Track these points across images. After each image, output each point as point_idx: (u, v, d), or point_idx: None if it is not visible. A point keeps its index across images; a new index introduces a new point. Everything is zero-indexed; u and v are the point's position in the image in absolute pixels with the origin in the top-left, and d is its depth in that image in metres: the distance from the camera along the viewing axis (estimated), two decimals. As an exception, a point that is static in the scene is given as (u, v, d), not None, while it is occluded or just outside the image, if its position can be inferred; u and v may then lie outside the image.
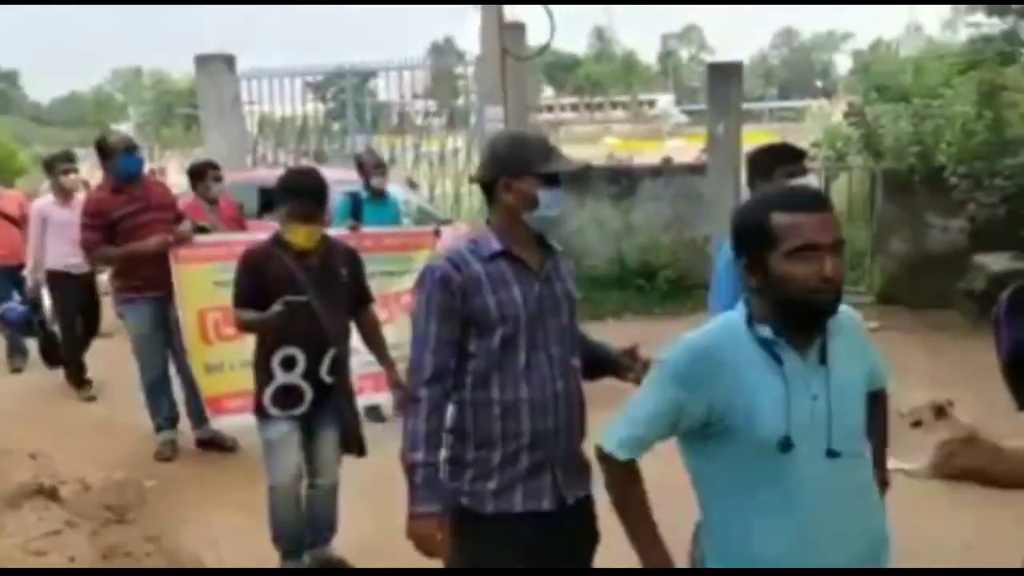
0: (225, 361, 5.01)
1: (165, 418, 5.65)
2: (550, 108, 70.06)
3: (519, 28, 10.40)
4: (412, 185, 11.09)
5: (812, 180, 3.59)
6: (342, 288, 3.84)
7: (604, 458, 2.02)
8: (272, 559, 4.07)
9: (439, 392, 2.39)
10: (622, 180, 10.47)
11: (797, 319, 1.86)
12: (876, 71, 17.91)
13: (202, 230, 5.46)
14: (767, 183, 3.39)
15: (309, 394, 3.74)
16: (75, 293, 6.81)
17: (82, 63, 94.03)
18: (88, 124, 68.87)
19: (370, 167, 6.45)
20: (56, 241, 6.68)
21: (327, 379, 3.77)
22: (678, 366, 1.93)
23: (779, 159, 3.47)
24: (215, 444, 5.64)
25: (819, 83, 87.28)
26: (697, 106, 50.33)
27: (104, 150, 5.53)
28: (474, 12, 10.13)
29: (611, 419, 2.03)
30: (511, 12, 10.01)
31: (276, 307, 3.55)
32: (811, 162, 10.20)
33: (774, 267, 1.82)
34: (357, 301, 4.00)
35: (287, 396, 3.73)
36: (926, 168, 8.39)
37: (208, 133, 11.58)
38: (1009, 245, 7.88)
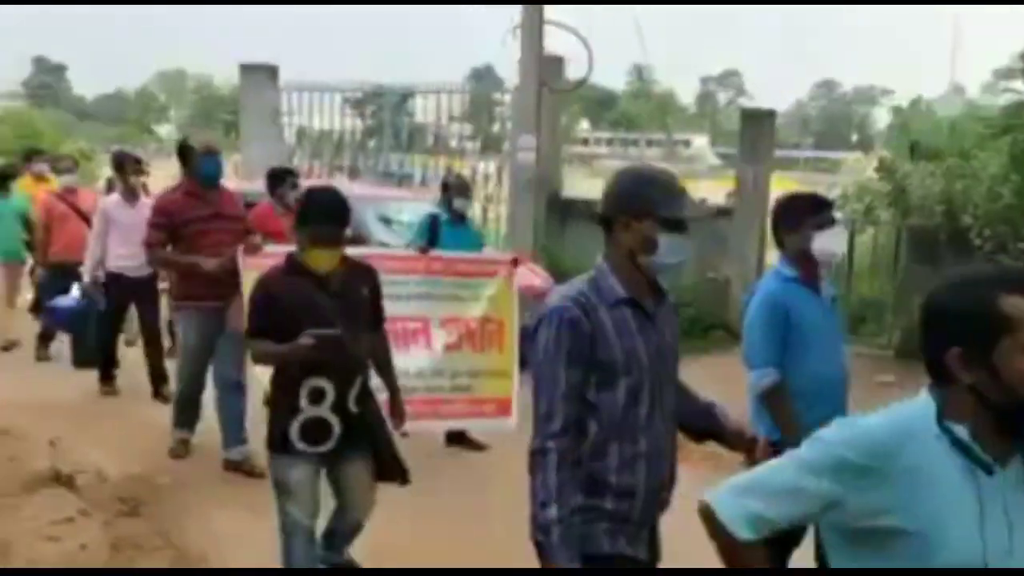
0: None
1: (186, 419, 5.63)
2: (585, 141, 70.33)
3: (557, 61, 10.56)
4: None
5: (840, 232, 3.59)
6: (364, 310, 3.66)
7: (718, 529, 1.73)
8: (274, 563, 4.16)
9: (569, 442, 2.23)
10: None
11: (1017, 424, 1.57)
12: (913, 128, 17.93)
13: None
14: (794, 232, 3.43)
15: (337, 428, 3.48)
16: (125, 296, 6.78)
17: (129, 62, 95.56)
18: (129, 122, 69.99)
19: (455, 188, 6.24)
20: (116, 241, 6.62)
21: (354, 409, 3.53)
22: (846, 457, 1.62)
23: (808, 209, 3.49)
24: (243, 469, 5.32)
25: (855, 136, 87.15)
26: (731, 149, 50.43)
27: (185, 151, 5.48)
28: (514, 42, 10.30)
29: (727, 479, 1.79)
30: (551, 45, 10.18)
31: (305, 340, 3.28)
32: (839, 214, 10.28)
33: (1005, 361, 1.54)
34: (372, 322, 3.80)
35: (315, 430, 3.46)
36: (952, 227, 8.42)
37: (247, 141, 11.81)
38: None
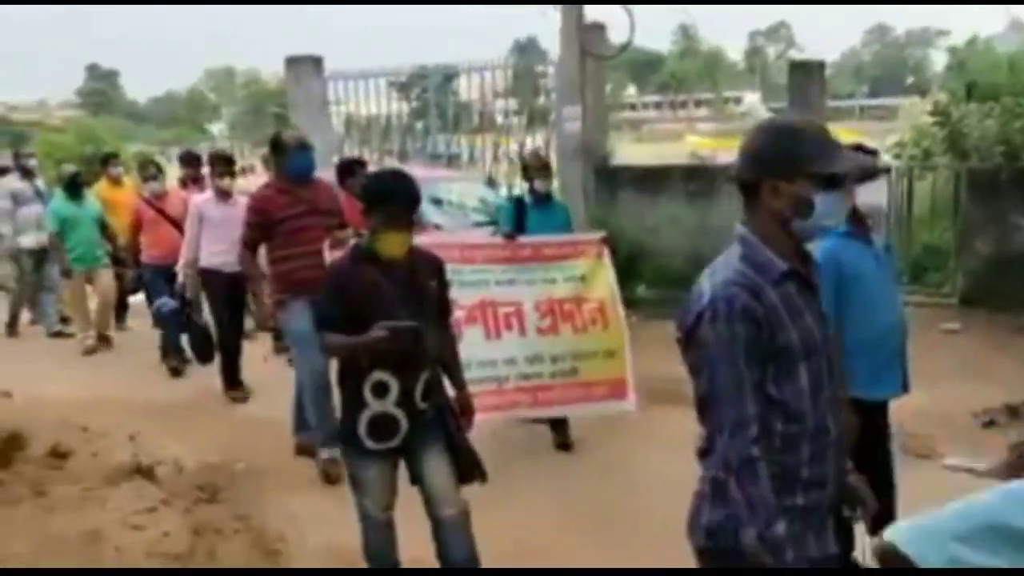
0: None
1: (325, 430, 5.13)
2: (632, 106, 69.59)
3: (599, 28, 10.47)
4: (491, 183, 11.27)
5: (881, 183, 3.56)
6: (431, 302, 3.51)
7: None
8: (350, 542, 4.28)
9: (766, 446, 2.00)
10: (700, 178, 10.45)
11: None
12: (970, 68, 17.41)
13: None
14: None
15: (404, 423, 3.37)
16: (225, 290, 6.74)
17: (179, 63, 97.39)
18: (181, 122, 71.28)
19: (533, 168, 5.84)
20: (210, 239, 6.70)
21: (421, 405, 3.40)
22: None
23: None
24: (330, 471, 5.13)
25: (911, 80, 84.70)
26: (784, 104, 49.47)
27: (277, 147, 5.39)
28: (555, 12, 10.26)
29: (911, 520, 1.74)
30: (591, 12, 10.11)
31: (378, 331, 3.17)
32: (896, 161, 10.08)
33: None
34: (438, 314, 3.62)
35: (382, 426, 3.37)
36: (1013, 168, 8.20)
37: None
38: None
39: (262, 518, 4.61)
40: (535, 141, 12.08)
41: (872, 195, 3.47)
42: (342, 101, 12.59)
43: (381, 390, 3.32)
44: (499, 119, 13.83)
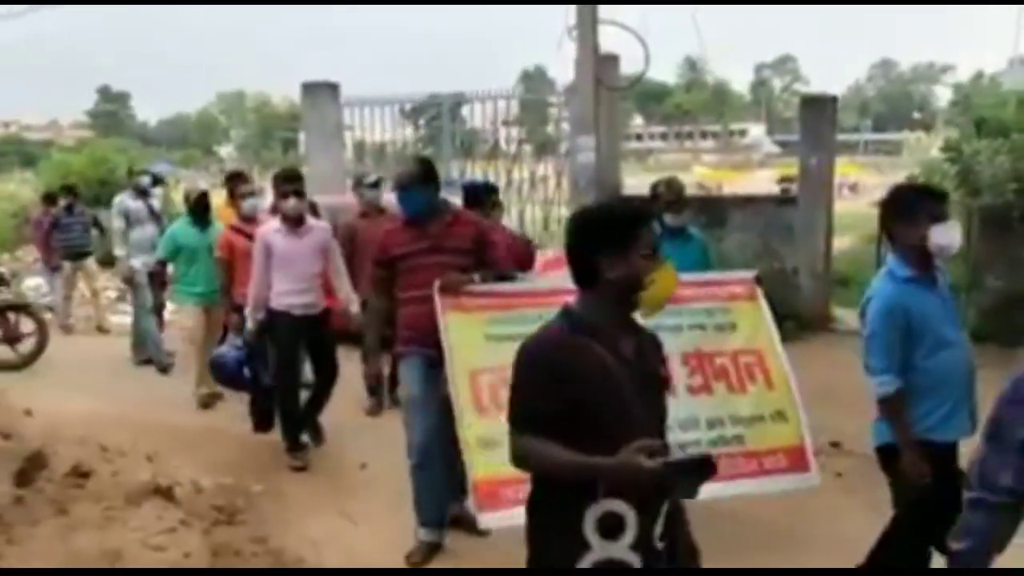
0: (505, 438, 4.04)
1: (428, 512, 4.49)
2: (639, 137, 69.99)
3: (613, 59, 10.60)
4: (500, 209, 11.35)
5: (957, 224, 3.44)
6: (663, 396, 2.49)
7: None
8: (368, 560, 4.30)
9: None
10: (711, 209, 10.52)
11: None
12: (976, 104, 17.53)
13: (506, 278, 4.64)
14: (911, 225, 3.34)
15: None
16: (297, 337, 5.78)
17: (190, 86, 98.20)
18: (191, 144, 71.78)
19: (664, 200, 5.13)
20: (278, 276, 5.67)
21: (659, 545, 2.33)
22: None
23: (922, 200, 3.41)
24: (464, 522, 4.58)
25: (917, 115, 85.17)
26: (789, 137, 49.71)
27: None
28: (568, 42, 10.37)
29: None
30: (605, 44, 10.22)
31: (635, 457, 2.11)
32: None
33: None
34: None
35: None
36: (1024, 205, 8.27)
37: (312, 157, 12.10)
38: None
39: (281, 540, 4.62)
40: (546, 169, 12.18)
41: (946, 236, 3.36)
42: (354, 127, 12.74)
43: (613, 527, 2.27)
44: (510, 147, 13.95)
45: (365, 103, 12.40)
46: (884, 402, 3.41)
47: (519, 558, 2.43)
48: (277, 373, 5.80)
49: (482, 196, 5.92)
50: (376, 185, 7.15)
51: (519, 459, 2.37)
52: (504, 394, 3.70)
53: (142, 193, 8.66)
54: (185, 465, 5.53)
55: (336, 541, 4.63)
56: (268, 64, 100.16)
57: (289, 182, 5.71)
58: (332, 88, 12.19)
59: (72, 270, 10.53)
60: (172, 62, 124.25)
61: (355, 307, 5.82)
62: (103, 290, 12.04)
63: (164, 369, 8.35)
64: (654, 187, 5.29)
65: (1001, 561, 3.62)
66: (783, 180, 26.99)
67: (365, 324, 4.91)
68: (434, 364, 4.29)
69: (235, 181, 7.07)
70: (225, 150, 76.82)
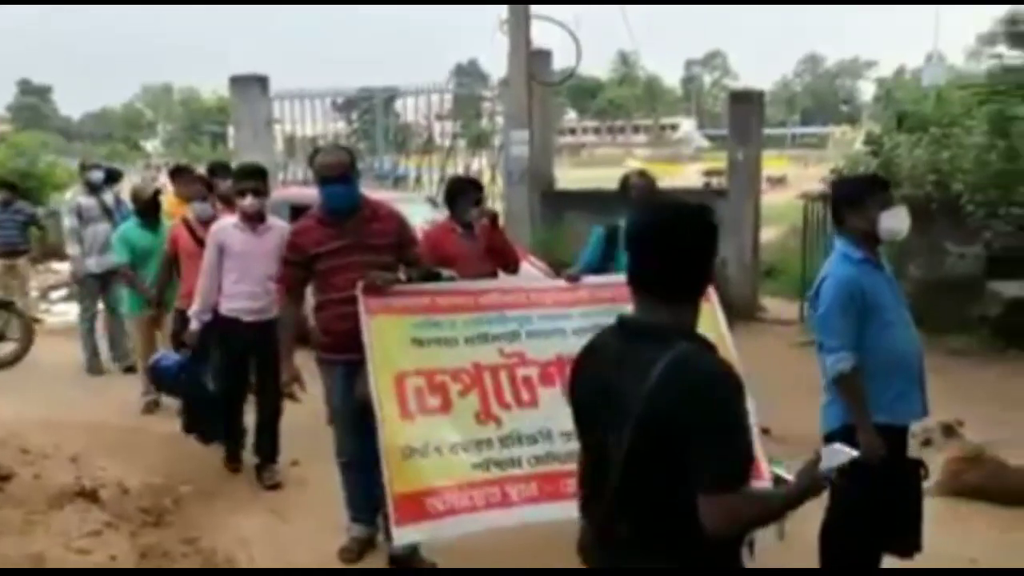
0: (430, 442, 3.74)
1: (359, 509, 4.36)
2: (572, 131, 70.40)
3: (545, 55, 10.64)
4: (434, 204, 11.31)
5: (904, 209, 3.51)
6: None
7: None
8: (301, 559, 4.26)
9: None
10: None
11: None
12: (899, 99, 18.05)
13: (432, 276, 4.35)
14: (858, 211, 3.45)
15: None
16: (246, 346, 5.26)
17: (114, 79, 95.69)
18: (115, 139, 70.02)
19: (639, 189, 4.91)
20: (232, 277, 5.20)
21: None
22: None
23: (868, 188, 3.54)
24: (411, 565, 4.19)
25: (844, 109, 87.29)
26: (719, 131, 50.54)
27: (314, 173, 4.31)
28: (501, 37, 10.38)
29: None
30: (537, 39, 10.27)
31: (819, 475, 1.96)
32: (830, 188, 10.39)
33: None
34: None
35: None
36: (943, 196, 8.52)
37: (241, 152, 11.90)
38: (1023, 273, 7.99)
39: (211, 540, 4.54)
40: (480, 163, 12.19)
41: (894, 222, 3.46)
42: (284, 121, 12.59)
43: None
44: (444, 142, 13.92)
45: (296, 96, 12.25)
46: (840, 380, 3.38)
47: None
48: (221, 383, 5.41)
49: (467, 194, 5.16)
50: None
51: (735, 522, 1.89)
52: (431, 399, 3.82)
53: (94, 189, 8.19)
54: (111, 467, 5.40)
55: (266, 539, 4.56)
56: (196, 57, 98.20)
57: (248, 178, 5.24)
58: (261, 81, 12.02)
59: (3, 268, 10.16)
60: (95, 55, 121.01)
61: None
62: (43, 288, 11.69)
63: (129, 369, 7.86)
64: (625, 179, 5.07)
65: (1001, 561, 3.77)
66: (709, 173, 27.64)
67: (279, 327, 4.46)
68: (356, 371, 4.03)
69: (180, 175, 6.78)
70: (151, 144, 75.09)
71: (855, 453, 1.98)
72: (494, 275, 4.92)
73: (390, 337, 3.92)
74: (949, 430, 4.94)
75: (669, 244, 1.97)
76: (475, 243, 4.95)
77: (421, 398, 3.82)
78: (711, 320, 4.22)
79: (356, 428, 4.10)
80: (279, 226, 5.17)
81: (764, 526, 2.09)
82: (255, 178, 5.24)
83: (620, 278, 3.88)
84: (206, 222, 5.85)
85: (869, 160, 10.42)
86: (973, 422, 5.08)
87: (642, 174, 5.12)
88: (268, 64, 12.93)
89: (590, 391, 2.04)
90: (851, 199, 3.52)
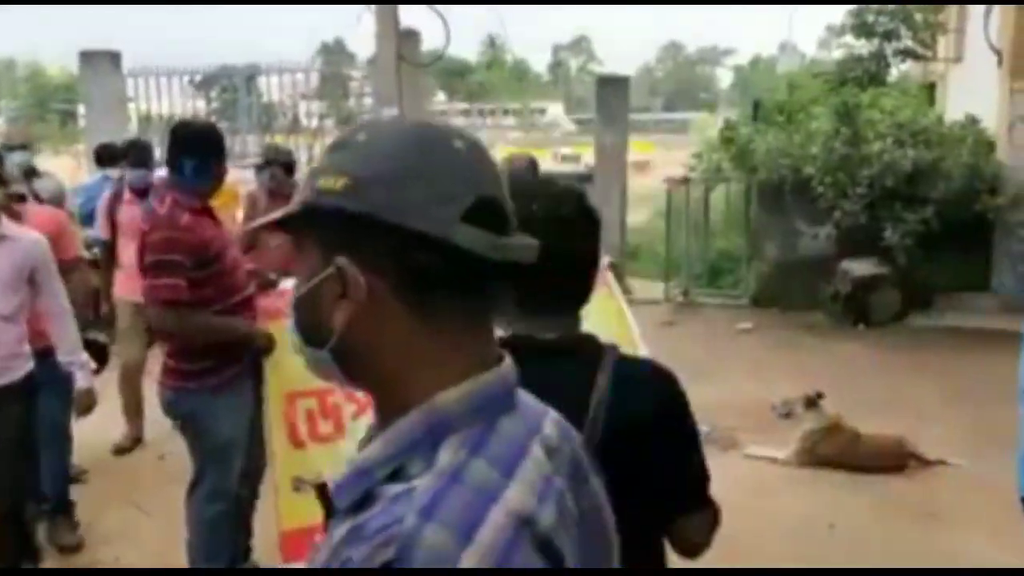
0: (324, 473, 3.12)
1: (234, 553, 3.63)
2: (443, 113, 70.05)
3: (414, 35, 10.54)
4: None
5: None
6: None
7: None
8: (170, 557, 4.12)
9: None
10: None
11: None
12: (755, 86, 18.78)
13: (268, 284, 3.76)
14: None
15: None
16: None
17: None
18: (-47, 117, 65.31)
19: (517, 170, 4.33)
20: None
21: None
22: None
23: None
24: None
25: (704, 95, 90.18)
26: (586, 115, 51.36)
27: (183, 144, 3.41)
28: (368, 16, 10.23)
29: None
30: (406, 19, 10.15)
31: None
32: (693, 174, 10.76)
33: None
34: None
35: None
36: (795, 179, 8.93)
37: (91, 131, 11.29)
38: (871, 251, 8.46)
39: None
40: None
41: None
42: (134, 98, 12.02)
43: None
44: (311, 122, 13.62)
45: (150, 73, 11.70)
46: None
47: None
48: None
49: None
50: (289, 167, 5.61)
51: (714, 532, 1.68)
52: (323, 425, 3.37)
53: None
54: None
55: (130, 536, 4.39)
56: (41, 30, 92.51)
57: None
58: (113, 57, 11.40)
59: None
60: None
61: (85, 373, 3.66)
62: None
63: None
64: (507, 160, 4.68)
65: (1002, 561, 3.93)
66: (565, 159, 28.63)
67: (212, 331, 3.36)
68: (245, 392, 3.46)
69: None
70: (-7, 123, 70.48)
71: None
72: None
73: (281, 347, 3.36)
74: (810, 402, 5.19)
75: (556, 239, 1.42)
76: None
77: (313, 422, 3.43)
78: (609, 311, 3.75)
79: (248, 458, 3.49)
80: (26, 238, 3.45)
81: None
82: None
83: None
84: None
85: (725, 146, 10.85)
86: (828, 394, 5.35)
87: (527, 156, 4.82)
88: (121, 43, 12.25)
89: None
90: None
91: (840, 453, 5.10)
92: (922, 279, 8.49)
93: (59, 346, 3.57)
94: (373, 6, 9.70)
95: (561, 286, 1.55)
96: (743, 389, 6.34)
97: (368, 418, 2.92)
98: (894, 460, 5.10)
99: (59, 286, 3.55)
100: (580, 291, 1.60)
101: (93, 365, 3.93)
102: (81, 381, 3.62)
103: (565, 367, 1.47)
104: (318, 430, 3.44)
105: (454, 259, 0.84)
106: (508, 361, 0.93)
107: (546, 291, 1.49)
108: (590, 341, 1.59)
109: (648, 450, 1.49)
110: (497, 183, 0.90)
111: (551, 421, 0.97)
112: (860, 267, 8.49)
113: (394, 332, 0.87)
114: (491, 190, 0.89)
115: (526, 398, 0.96)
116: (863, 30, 14.58)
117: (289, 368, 3.30)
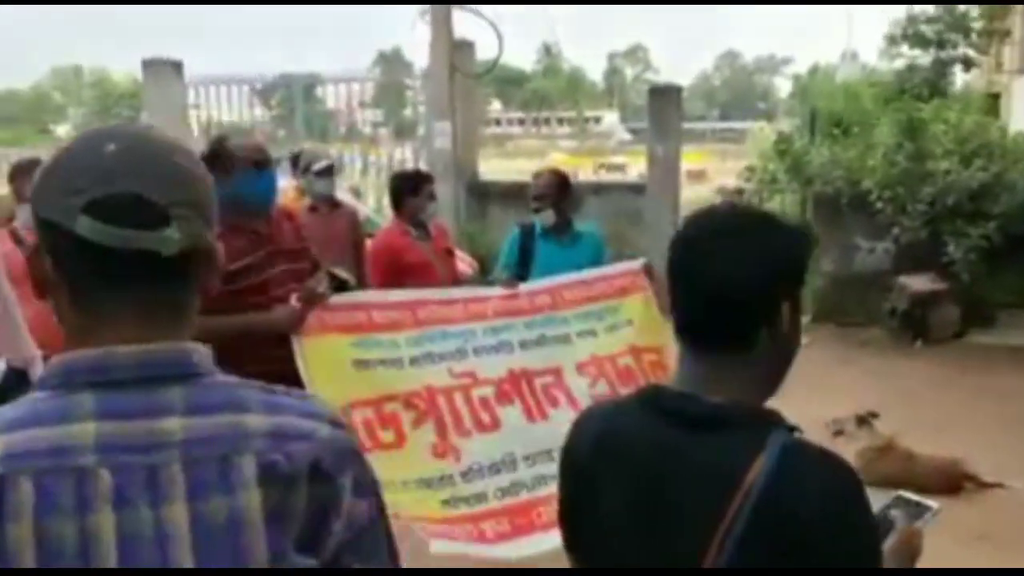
0: (394, 479, 3.10)
1: None
2: (497, 122, 70.43)
3: (468, 45, 10.60)
4: (357, 194, 11.20)
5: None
6: None
7: None
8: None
9: None
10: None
11: None
12: (813, 95, 18.53)
13: (341, 287, 3.70)
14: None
15: None
16: None
17: (22, 61, 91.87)
18: (22, 123, 67.35)
19: (532, 196, 4.56)
20: None
21: None
22: None
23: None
24: None
25: (761, 104, 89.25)
26: (641, 124, 51.22)
27: (217, 160, 3.07)
28: (423, 25, 10.31)
29: None
30: (459, 29, 10.22)
31: None
32: (745, 184, 10.64)
33: None
34: None
35: None
36: (852, 192, 8.78)
37: (154, 139, 11.57)
38: (930, 267, 8.29)
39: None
40: (404, 153, 12.10)
41: None
42: (199, 105, 12.28)
43: None
44: (366, 130, 13.77)
45: (212, 82, 11.94)
46: None
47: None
48: None
49: (420, 188, 4.71)
50: (329, 172, 5.35)
51: None
52: (383, 433, 3.25)
53: None
54: None
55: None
56: (108, 38, 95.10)
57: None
58: (175, 66, 11.64)
59: None
60: (5, 37, 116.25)
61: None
62: None
63: None
64: (533, 180, 4.72)
65: (1002, 561, 3.87)
66: (609, 168, 28.87)
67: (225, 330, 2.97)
68: None
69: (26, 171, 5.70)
70: (62, 129, 72.50)
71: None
72: (456, 283, 4.45)
73: (328, 363, 3.27)
74: (861, 421, 5.09)
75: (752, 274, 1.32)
76: (432, 246, 4.51)
77: (372, 433, 3.26)
78: (648, 315, 4.01)
79: None
80: None
81: None
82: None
83: (553, 281, 4.00)
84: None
85: (779, 158, 10.72)
86: (883, 412, 5.25)
87: (538, 175, 4.77)
88: (189, 53, 12.51)
89: (625, 503, 1.37)
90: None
91: (895, 473, 5.00)
92: (983, 295, 8.28)
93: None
94: (428, 16, 9.77)
95: (741, 328, 1.35)
96: (798, 406, 6.21)
97: (431, 425, 3.04)
98: (949, 481, 4.98)
99: (9, 292, 3.38)
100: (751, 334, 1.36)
101: None
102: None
103: (717, 441, 1.30)
104: (379, 440, 3.29)
105: (86, 246, 0.98)
106: (138, 348, 1.01)
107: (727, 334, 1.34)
108: (755, 412, 1.38)
109: (799, 544, 1.22)
110: (150, 181, 1.01)
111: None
112: (918, 282, 8.32)
113: (59, 304, 1.05)
114: (131, 187, 0.99)
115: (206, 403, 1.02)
116: (917, 39, 14.34)
117: (342, 383, 3.24)
